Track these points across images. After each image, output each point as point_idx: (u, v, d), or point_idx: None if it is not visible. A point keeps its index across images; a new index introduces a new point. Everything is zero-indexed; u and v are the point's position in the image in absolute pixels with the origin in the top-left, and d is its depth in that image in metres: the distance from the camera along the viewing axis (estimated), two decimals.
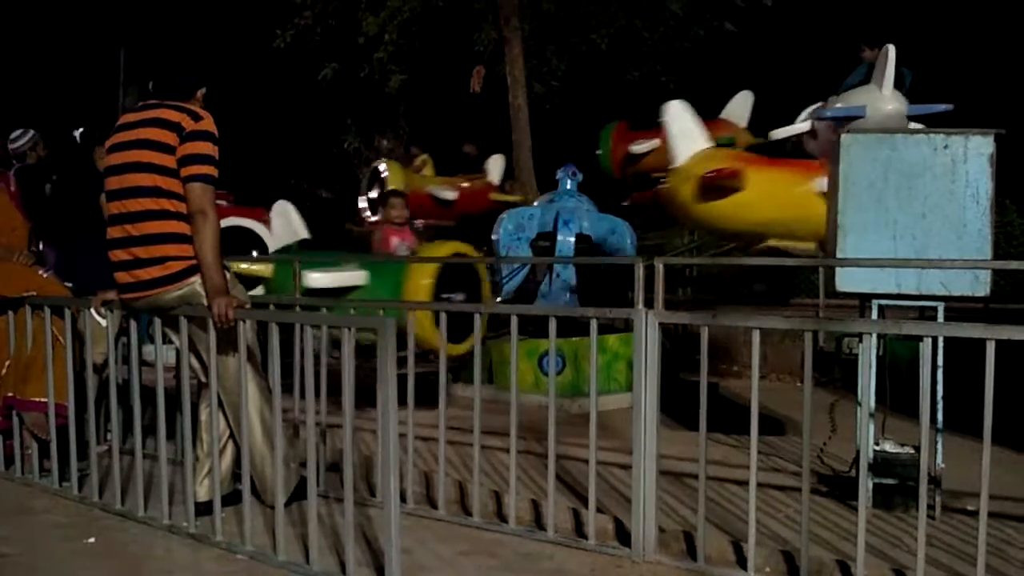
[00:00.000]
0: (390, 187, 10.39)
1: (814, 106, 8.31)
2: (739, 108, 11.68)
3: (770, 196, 7.08)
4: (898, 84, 8.09)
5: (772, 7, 12.74)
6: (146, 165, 3.78)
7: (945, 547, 3.57)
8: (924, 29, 15.93)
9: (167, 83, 3.97)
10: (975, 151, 4.03)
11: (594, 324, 3.80)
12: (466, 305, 4.93)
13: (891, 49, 7.57)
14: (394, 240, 7.27)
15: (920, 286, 4.07)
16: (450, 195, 11.54)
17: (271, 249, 7.86)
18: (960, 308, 4.85)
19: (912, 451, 4.08)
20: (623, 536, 3.79)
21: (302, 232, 7.56)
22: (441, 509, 4.13)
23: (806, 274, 11.92)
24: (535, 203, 8.84)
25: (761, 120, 11.89)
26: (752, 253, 7.67)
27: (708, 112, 10.34)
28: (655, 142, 10.61)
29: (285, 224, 7.60)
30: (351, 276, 6.17)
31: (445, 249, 6.56)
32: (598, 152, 11.18)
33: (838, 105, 7.99)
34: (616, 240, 8.02)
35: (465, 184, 12.04)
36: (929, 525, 3.29)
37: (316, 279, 6.02)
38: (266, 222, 8.37)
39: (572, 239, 7.84)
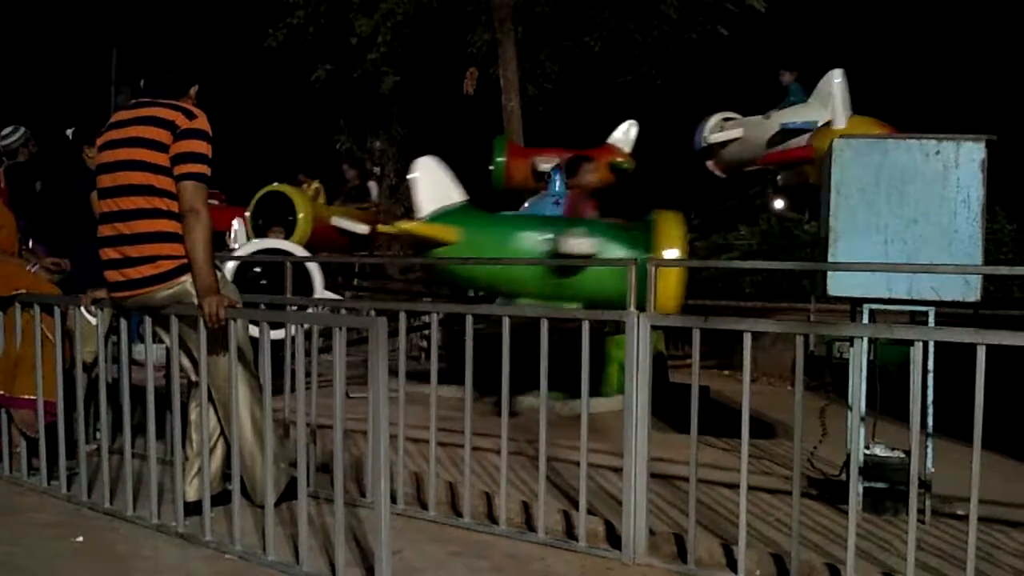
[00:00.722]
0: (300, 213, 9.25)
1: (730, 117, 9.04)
2: (624, 136, 11.61)
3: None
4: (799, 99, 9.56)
5: (765, 12, 12.79)
6: (139, 163, 3.77)
7: (935, 551, 3.58)
8: (916, 36, 16.01)
9: (159, 81, 3.96)
10: (966, 157, 4.05)
11: (586, 326, 3.79)
12: (460, 306, 4.91)
13: (839, 72, 8.72)
14: None
15: (911, 291, 4.08)
16: (361, 229, 9.99)
17: (425, 207, 6.82)
18: (950, 313, 4.87)
19: (902, 455, 4.10)
20: (613, 538, 3.79)
21: (457, 193, 6.77)
22: (432, 510, 4.12)
23: (797, 279, 11.96)
24: (526, 204, 8.83)
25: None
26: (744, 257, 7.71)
27: (699, 115, 10.39)
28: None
29: (434, 183, 6.75)
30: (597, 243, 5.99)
31: None
32: (491, 168, 10.91)
33: (792, 119, 9.09)
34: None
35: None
36: (919, 529, 3.29)
37: (578, 244, 5.78)
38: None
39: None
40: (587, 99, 15.22)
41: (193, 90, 4.02)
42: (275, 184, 9.17)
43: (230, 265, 6.95)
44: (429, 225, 6.39)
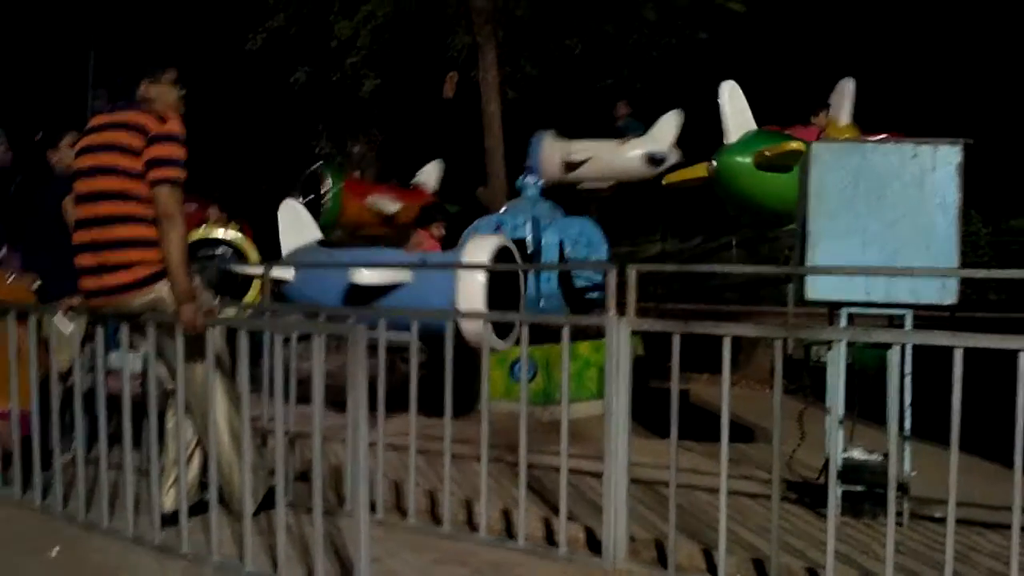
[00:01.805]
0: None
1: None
2: (431, 175, 11.82)
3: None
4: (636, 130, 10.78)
5: (745, 15, 12.84)
6: (112, 169, 3.74)
7: (913, 554, 3.60)
8: (893, 40, 16.12)
9: (117, 88, 3.95)
10: (943, 161, 4.08)
11: (566, 331, 3.79)
12: (439, 312, 4.90)
13: (676, 113, 10.36)
14: None
15: (889, 294, 4.11)
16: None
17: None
18: (926, 316, 4.89)
19: (880, 458, 4.11)
20: (594, 544, 3.78)
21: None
22: (411, 518, 4.10)
23: (775, 283, 12.02)
24: (502, 209, 8.83)
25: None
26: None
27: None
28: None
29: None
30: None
31: None
32: (326, 203, 11.01)
33: (653, 148, 10.40)
34: (586, 243, 8.03)
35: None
36: (897, 532, 3.31)
37: (366, 276, 5.87)
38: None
39: (556, 242, 7.83)
40: (568, 103, 15.23)
41: (145, 88, 3.94)
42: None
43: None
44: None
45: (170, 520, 3.80)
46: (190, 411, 3.90)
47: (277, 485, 3.43)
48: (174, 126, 3.77)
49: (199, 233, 7.78)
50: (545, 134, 10.88)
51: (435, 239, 7.70)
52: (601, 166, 10.66)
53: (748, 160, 7.62)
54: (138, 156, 3.72)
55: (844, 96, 8.76)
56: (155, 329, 3.78)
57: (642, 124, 11.02)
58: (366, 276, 5.90)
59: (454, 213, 10.32)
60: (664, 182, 9.95)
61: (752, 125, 8.09)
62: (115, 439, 4.11)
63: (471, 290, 5.72)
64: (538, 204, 8.34)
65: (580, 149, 10.65)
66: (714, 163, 7.98)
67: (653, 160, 10.50)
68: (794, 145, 7.25)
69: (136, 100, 3.89)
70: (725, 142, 8.06)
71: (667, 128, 10.61)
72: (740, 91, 7.83)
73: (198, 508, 3.90)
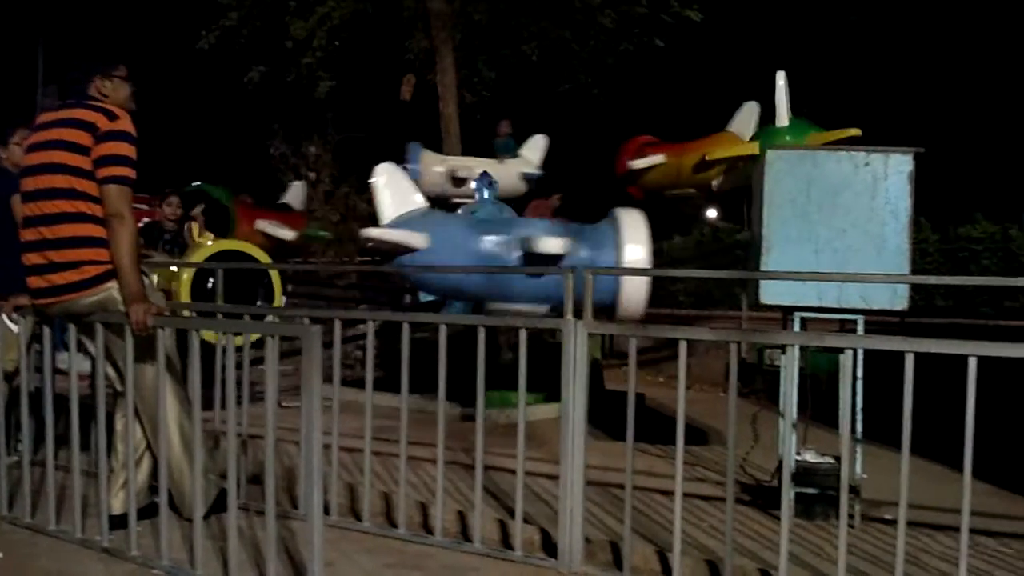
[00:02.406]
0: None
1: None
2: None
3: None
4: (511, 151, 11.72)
5: (700, 24, 12.98)
6: (60, 166, 3.66)
7: (865, 555, 3.64)
8: (846, 51, 16.39)
9: (66, 83, 3.87)
10: (895, 169, 4.15)
11: (523, 334, 3.78)
12: (397, 314, 4.87)
13: (543, 136, 11.41)
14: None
15: (841, 299, 4.16)
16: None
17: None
18: (877, 322, 4.98)
19: (832, 461, 4.17)
20: (549, 547, 3.78)
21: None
22: (366, 521, 4.06)
23: (729, 287, 12.15)
24: (459, 211, 8.83)
25: (684, 136, 12.16)
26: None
27: (634, 126, 10.56)
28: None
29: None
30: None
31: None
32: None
33: (530, 171, 11.31)
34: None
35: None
36: (849, 534, 3.35)
37: (552, 244, 6.03)
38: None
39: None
40: (525, 107, 15.27)
41: (99, 83, 3.87)
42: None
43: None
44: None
45: (119, 523, 3.72)
46: (139, 412, 3.83)
47: (229, 488, 3.37)
48: (125, 124, 3.70)
49: (223, 245, 7.53)
50: (419, 146, 11.42)
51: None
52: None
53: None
54: (86, 154, 3.64)
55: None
56: (104, 329, 3.70)
57: (515, 143, 11.95)
58: (552, 244, 6.18)
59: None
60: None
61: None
62: (63, 441, 4.01)
63: (636, 258, 6.29)
64: (494, 207, 8.34)
65: (463, 165, 11.30)
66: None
67: (528, 179, 11.52)
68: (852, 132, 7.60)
69: (87, 96, 3.81)
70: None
71: (537, 149, 11.59)
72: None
73: (148, 511, 3.83)
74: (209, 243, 7.42)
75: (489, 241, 6.57)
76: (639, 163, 11.91)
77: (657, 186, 11.62)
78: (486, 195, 8.48)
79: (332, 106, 16.46)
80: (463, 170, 11.16)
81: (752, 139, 10.17)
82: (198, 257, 7.01)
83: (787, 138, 8.84)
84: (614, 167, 12.45)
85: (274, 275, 7.28)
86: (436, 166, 11.07)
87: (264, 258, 7.51)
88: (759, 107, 11.84)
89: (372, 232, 6.47)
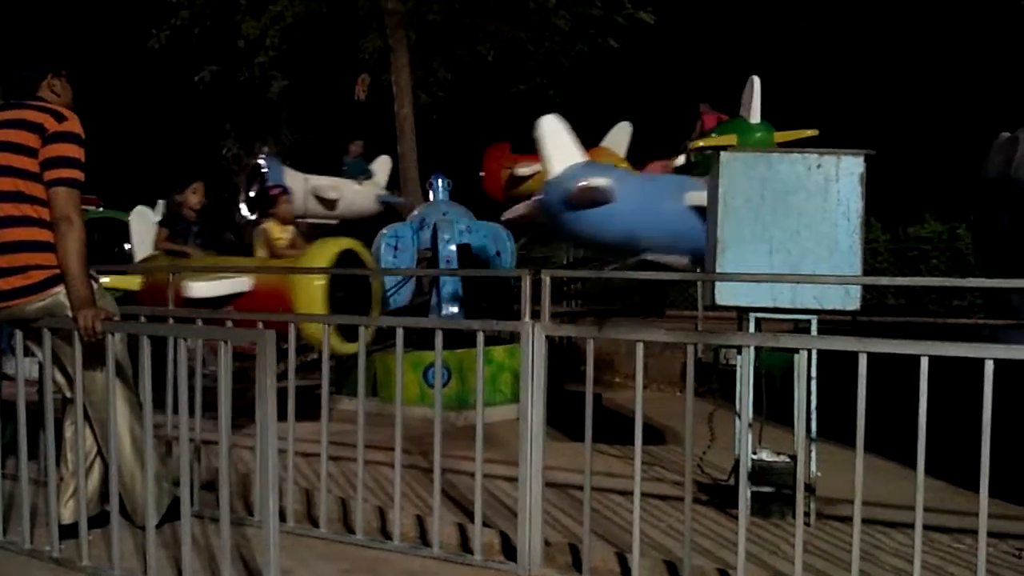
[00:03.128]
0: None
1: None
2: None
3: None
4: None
5: (653, 25, 13.07)
6: (6, 169, 3.56)
7: (821, 553, 3.68)
8: (799, 51, 16.62)
9: (13, 82, 3.75)
10: (847, 171, 4.20)
11: (480, 337, 3.77)
12: (354, 317, 4.84)
13: (387, 158, 12.36)
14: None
15: (795, 300, 4.21)
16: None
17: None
18: (830, 321, 5.04)
19: (788, 460, 4.21)
20: (509, 550, 3.77)
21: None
22: (323, 527, 4.01)
23: (684, 287, 12.24)
24: (415, 212, 8.81)
25: (639, 136, 12.25)
26: (631, 267, 7.86)
27: (587, 131, 10.60)
28: (536, 167, 11.12)
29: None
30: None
31: (332, 246, 6.37)
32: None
33: (386, 196, 12.15)
34: (496, 246, 8.06)
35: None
36: (805, 532, 3.39)
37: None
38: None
39: (453, 249, 7.83)
40: (480, 108, 15.27)
41: (50, 83, 3.79)
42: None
43: None
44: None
45: (69, 533, 3.63)
46: (90, 419, 3.74)
47: (182, 495, 3.31)
48: (74, 125, 3.61)
49: (342, 244, 6.71)
50: (278, 161, 12.00)
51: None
52: (346, 203, 12.18)
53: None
54: (33, 156, 3.55)
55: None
56: (52, 335, 3.62)
57: (365, 164, 12.76)
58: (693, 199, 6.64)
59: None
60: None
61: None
62: (10, 448, 3.91)
63: None
64: (442, 208, 8.35)
65: (327, 186, 11.86)
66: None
67: (382, 202, 12.22)
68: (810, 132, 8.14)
69: (34, 96, 3.71)
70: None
71: (383, 171, 12.54)
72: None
73: (99, 520, 3.75)
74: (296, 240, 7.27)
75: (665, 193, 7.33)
76: (523, 170, 12.05)
77: (531, 193, 11.63)
78: (440, 195, 8.48)
79: (286, 106, 16.31)
80: (330, 190, 11.67)
81: (725, 131, 10.27)
82: (322, 258, 6.21)
83: (758, 135, 9.05)
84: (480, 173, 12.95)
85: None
86: (297, 184, 11.24)
87: (370, 261, 6.99)
88: (631, 127, 12.19)
89: (584, 182, 6.96)
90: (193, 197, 7.21)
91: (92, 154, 3.68)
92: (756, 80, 9.21)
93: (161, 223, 7.35)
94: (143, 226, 7.78)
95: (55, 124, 3.57)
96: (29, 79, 3.77)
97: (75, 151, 3.59)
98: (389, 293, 7.97)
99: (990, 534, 2.99)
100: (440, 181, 8.73)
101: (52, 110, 3.61)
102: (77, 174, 3.58)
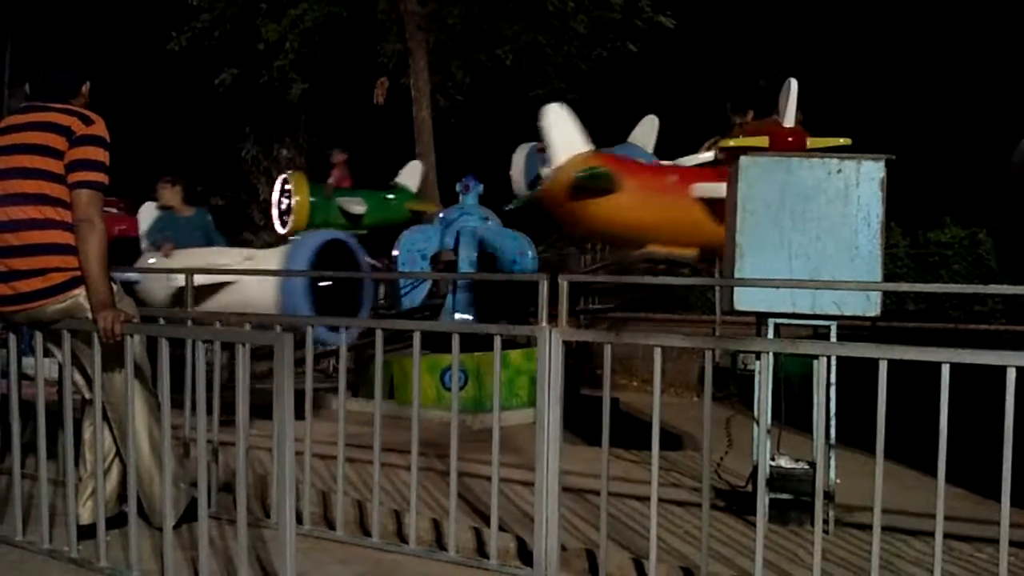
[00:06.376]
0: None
1: None
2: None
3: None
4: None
5: (673, 29, 13.05)
6: (31, 171, 3.59)
7: (839, 561, 3.65)
8: (819, 55, 16.54)
9: (48, 83, 3.77)
10: (867, 176, 4.17)
11: (498, 341, 3.76)
12: (369, 321, 4.84)
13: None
14: None
15: (814, 306, 4.18)
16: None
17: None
18: (848, 326, 5.01)
19: (807, 466, 4.18)
20: (525, 555, 3.76)
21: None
22: (339, 530, 4.02)
23: (702, 291, 12.20)
24: (439, 215, 8.82)
25: (661, 139, 12.19)
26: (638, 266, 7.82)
27: (611, 132, 10.54)
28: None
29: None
30: None
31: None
32: None
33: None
34: (516, 251, 8.07)
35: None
36: (824, 539, 3.36)
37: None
38: None
39: (474, 255, 7.84)
40: (499, 111, 15.28)
41: (85, 88, 3.84)
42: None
43: None
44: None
45: (87, 533, 3.65)
46: (109, 420, 3.76)
47: (200, 496, 3.32)
48: (100, 128, 3.64)
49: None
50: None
51: None
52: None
53: None
54: (59, 158, 3.58)
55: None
56: (71, 336, 3.64)
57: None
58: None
59: None
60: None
61: None
62: (29, 448, 3.94)
63: None
64: (468, 213, 8.35)
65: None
66: None
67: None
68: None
69: (60, 99, 3.74)
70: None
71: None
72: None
73: (117, 521, 3.77)
74: None
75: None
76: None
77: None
78: (469, 200, 8.47)
79: (305, 109, 16.38)
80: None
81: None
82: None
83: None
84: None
85: None
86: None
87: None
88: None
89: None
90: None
91: (112, 156, 3.71)
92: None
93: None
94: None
95: (82, 127, 3.60)
96: (71, 81, 3.81)
97: (100, 154, 3.62)
98: (403, 292, 8.00)
99: (1012, 543, 2.95)
100: (471, 183, 8.69)
101: (79, 113, 3.64)
102: (101, 177, 3.61)
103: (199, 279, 5.84)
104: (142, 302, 6.08)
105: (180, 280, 5.92)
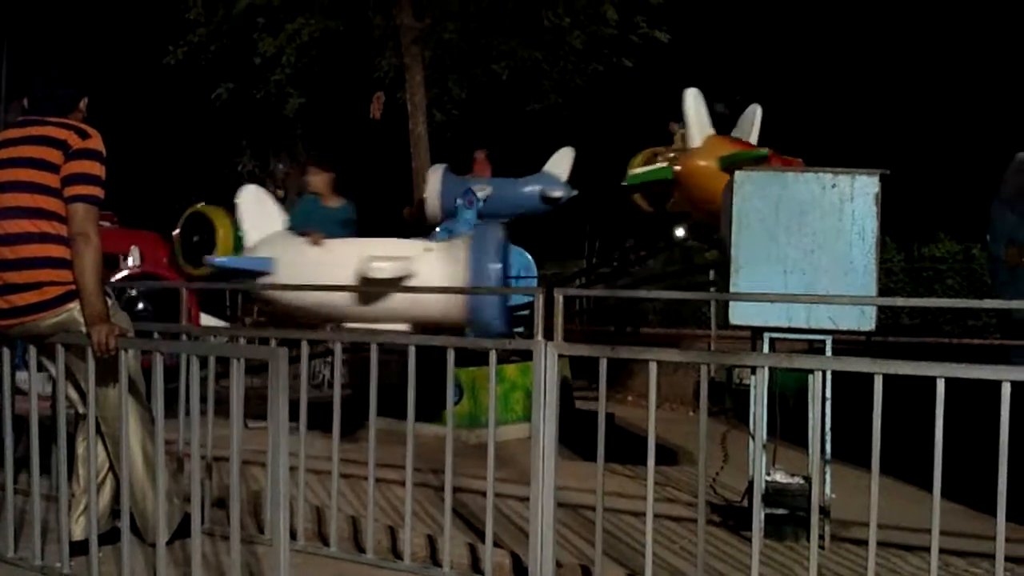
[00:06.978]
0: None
1: None
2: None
3: None
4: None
5: (668, 44, 13.10)
6: (28, 184, 3.59)
7: None
8: (815, 71, 16.62)
9: (45, 98, 3.78)
10: (861, 190, 4.18)
11: (493, 355, 3.75)
12: (366, 335, 4.83)
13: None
14: None
15: (809, 320, 4.18)
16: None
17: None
18: (843, 340, 5.01)
19: (802, 481, 4.17)
20: (520, 571, 3.74)
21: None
22: (333, 546, 3.99)
23: (698, 306, 12.21)
24: (436, 230, 8.80)
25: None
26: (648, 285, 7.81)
27: (606, 145, 10.55)
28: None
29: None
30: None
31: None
32: None
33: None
34: (520, 270, 8.06)
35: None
36: (820, 555, 3.35)
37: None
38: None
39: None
40: (495, 126, 15.32)
41: (83, 103, 3.85)
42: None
43: None
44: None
45: (80, 549, 3.62)
46: (103, 435, 3.74)
47: (193, 512, 3.31)
48: (96, 143, 3.65)
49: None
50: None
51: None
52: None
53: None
54: (55, 172, 3.58)
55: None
56: (65, 351, 3.63)
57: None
58: None
59: None
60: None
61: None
62: (22, 464, 3.92)
63: None
64: (467, 227, 8.32)
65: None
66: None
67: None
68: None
69: (56, 113, 3.74)
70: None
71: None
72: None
73: (110, 536, 3.74)
74: None
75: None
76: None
77: None
78: (467, 215, 8.43)
79: (301, 123, 16.41)
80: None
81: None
82: None
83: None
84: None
85: None
86: None
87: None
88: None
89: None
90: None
91: (109, 170, 3.71)
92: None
93: None
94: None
95: (79, 141, 3.60)
96: (70, 96, 3.82)
97: (96, 168, 3.62)
98: None
99: (1007, 559, 2.95)
100: (467, 200, 8.62)
101: (76, 127, 3.65)
102: (97, 191, 3.61)
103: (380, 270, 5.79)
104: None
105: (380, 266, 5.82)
